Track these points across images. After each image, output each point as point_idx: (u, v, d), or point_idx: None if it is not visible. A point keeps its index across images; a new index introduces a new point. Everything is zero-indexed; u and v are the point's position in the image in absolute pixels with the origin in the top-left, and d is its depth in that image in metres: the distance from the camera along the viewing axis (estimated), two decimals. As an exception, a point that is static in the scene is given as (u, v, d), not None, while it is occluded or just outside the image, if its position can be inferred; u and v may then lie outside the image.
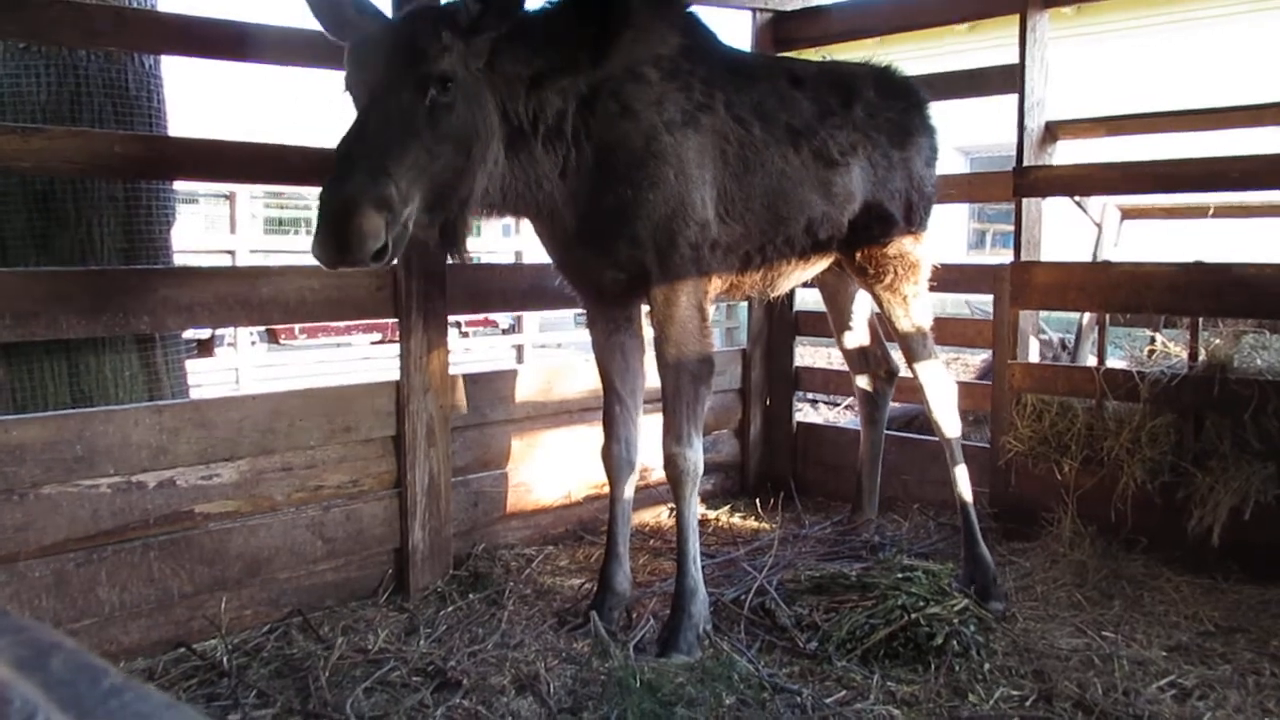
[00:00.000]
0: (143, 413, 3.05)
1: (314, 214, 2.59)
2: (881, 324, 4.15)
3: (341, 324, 10.34)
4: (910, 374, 3.87)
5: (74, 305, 2.94)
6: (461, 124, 2.75)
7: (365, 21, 2.78)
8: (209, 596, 3.15)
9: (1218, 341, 3.80)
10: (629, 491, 3.47)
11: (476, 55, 2.76)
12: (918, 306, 3.70)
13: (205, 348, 8.95)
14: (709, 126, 3.16)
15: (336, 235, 2.48)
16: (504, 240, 13.62)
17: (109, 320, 3.02)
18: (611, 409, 3.42)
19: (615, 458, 3.41)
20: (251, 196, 11.25)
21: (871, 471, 4.33)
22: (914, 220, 3.73)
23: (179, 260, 4.99)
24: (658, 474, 4.37)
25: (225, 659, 2.97)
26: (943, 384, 3.76)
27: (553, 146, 2.99)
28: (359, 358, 10.35)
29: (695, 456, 3.17)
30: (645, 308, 3.42)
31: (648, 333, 3.42)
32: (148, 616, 3.04)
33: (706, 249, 3.15)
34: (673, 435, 3.16)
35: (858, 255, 3.67)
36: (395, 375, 3.59)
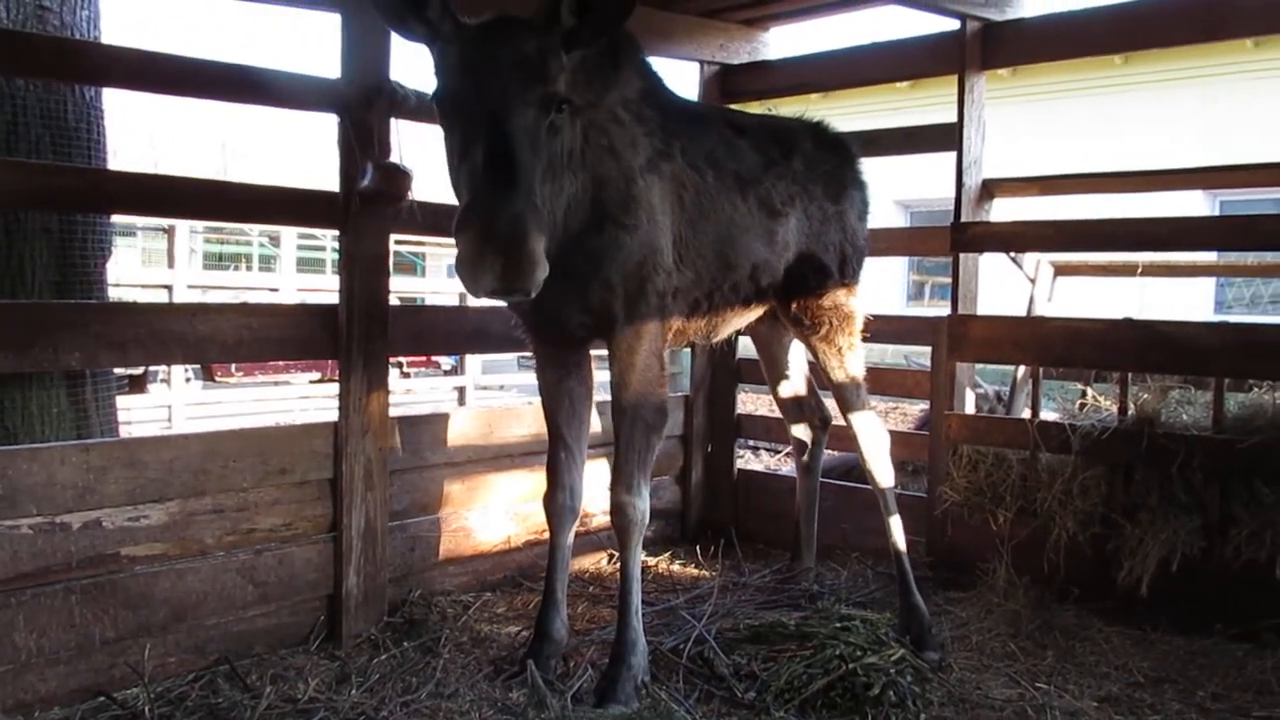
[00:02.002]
0: (69, 451, 2.96)
1: (462, 236, 2.35)
2: (815, 374, 4.19)
3: (280, 362, 10.18)
4: (844, 423, 3.91)
5: (1, 338, 2.86)
6: (562, 149, 2.69)
7: (443, 22, 2.59)
8: (132, 643, 3.05)
9: (1146, 396, 3.90)
10: (570, 538, 3.43)
11: (566, 75, 2.67)
12: (852, 358, 3.74)
13: (137, 384, 8.71)
14: (669, 173, 3.17)
15: (508, 260, 2.30)
16: (448, 281, 13.57)
17: (38, 355, 2.93)
18: (557, 455, 3.37)
19: (559, 505, 3.35)
20: (191, 231, 11.09)
21: (808, 519, 4.35)
22: (847, 273, 3.79)
23: (114, 295, 4.89)
24: (598, 520, 4.36)
25: (147, 709, 2.86)
26: (876, 434, 3.79)
27: (570, 178, 2.89)
28: (297, 397, 10.17)
29: (644, 506, 3.13)
30: (594, 352, 3.42)
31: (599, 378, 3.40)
32: (67, 664, 2.93)
33: (669, 297, 3.14)
34: (623, 484, 3.10)
35: (793, 306, 3.70)
36: (333, 416, 3.54)
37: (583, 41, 2.68)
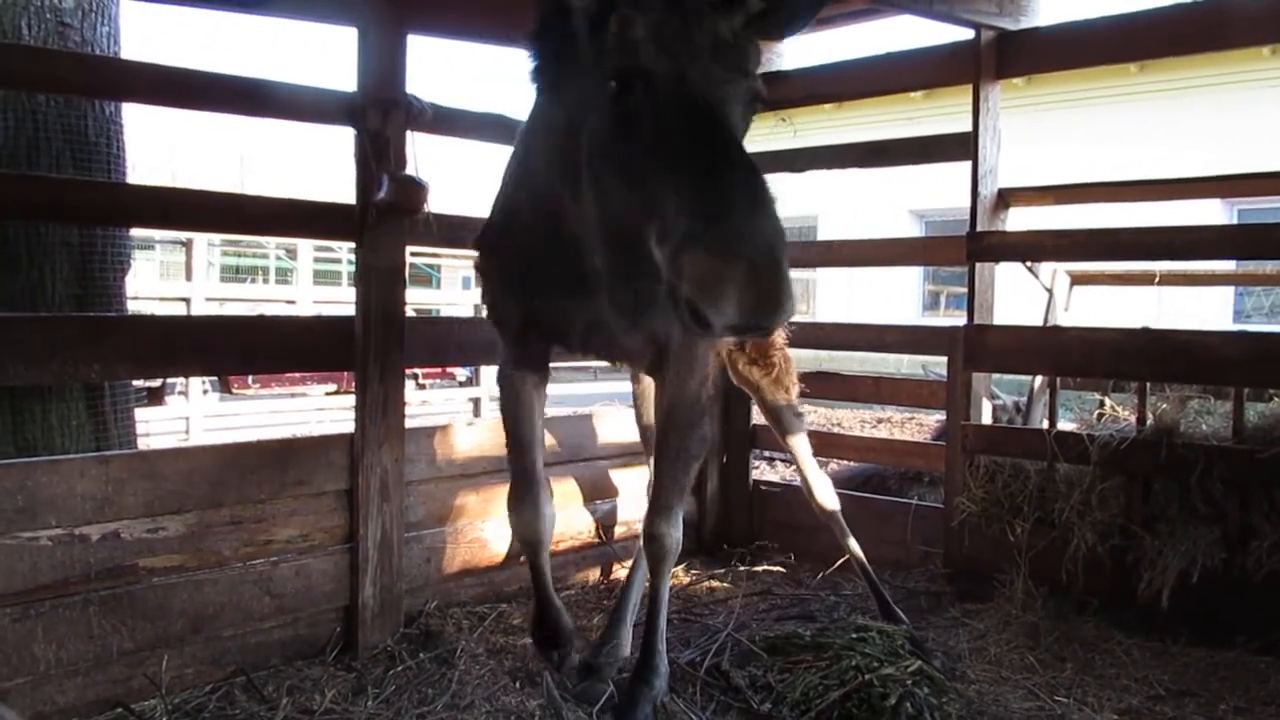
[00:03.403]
0: (88, 463, 2.98)
1: (745, 255, 1.82)
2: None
3: (296, 374, 10.23)
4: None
5: (22, 352, 2.88)
6: None
7: None
8: (150, 654, 3.06)
9: (1165, 406, 3.87)
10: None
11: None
12: (793, 391, 3.88)
13: (155, 396, 8.78)
14: None
15: (769, 286, 1.82)
16: (464, 293, 13.62)
17: (58, 368, 2.96)
18: (534, 466, 3.12)
19: (543, 516, 3.14)
20: (209, 244, 11.18)
21: None
22: None
23: (133, 308, 4.92)
24: (617, 531, 4.35)
25: (164, 720, 2.88)
26: (811, 456, 3.93)
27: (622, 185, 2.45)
28: (313, 408, 10.22)
29: (678, 534, 3.09)
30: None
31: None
32: (85, 675, 2.94)
33: None
34: (662, 514, 3.05)
35: (748, 344, 3.73)
36: (350, 427, 3.55)
37: (768, 32, 2.19)
